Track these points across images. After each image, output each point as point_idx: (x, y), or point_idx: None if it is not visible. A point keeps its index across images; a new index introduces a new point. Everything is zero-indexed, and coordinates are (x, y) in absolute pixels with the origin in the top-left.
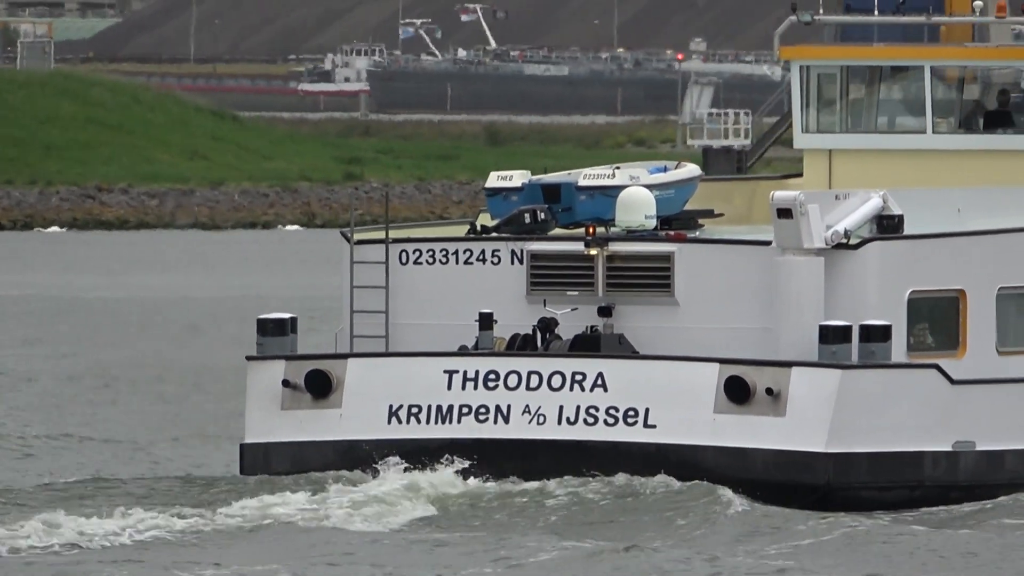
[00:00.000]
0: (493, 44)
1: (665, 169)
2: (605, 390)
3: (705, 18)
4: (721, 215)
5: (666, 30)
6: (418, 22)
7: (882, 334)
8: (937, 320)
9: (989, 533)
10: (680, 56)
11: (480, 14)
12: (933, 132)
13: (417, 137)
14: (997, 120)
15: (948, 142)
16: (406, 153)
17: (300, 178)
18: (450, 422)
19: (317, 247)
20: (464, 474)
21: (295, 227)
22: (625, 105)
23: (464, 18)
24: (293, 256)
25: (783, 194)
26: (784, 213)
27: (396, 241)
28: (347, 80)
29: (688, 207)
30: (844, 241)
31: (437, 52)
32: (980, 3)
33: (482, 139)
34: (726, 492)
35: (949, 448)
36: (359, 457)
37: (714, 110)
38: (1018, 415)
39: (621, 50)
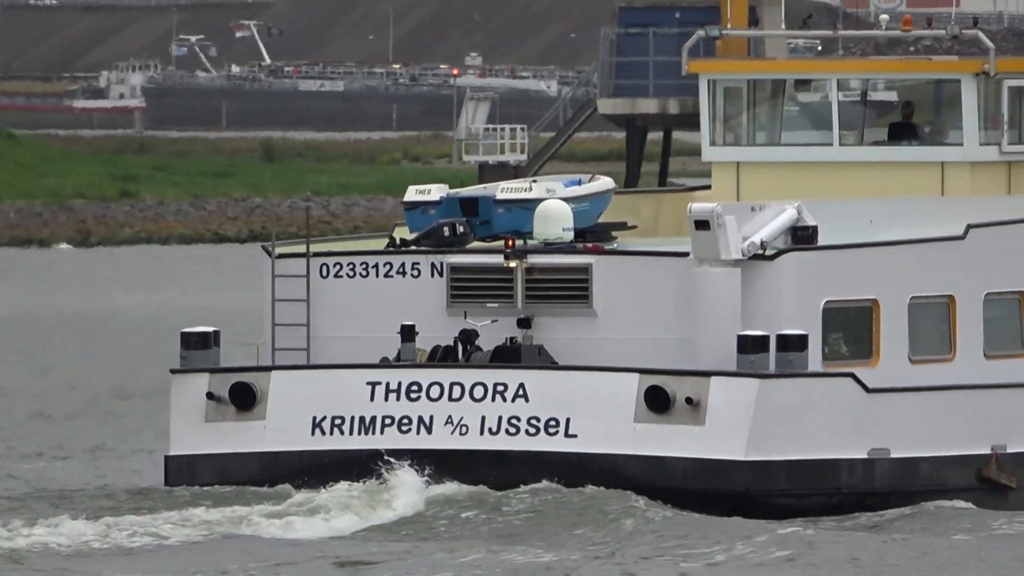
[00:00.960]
0: (268, 60)
1: (580, 182)
2: (527, 400)
3: (481, 33)
4: (635, 227)
5: (442, 45)
6: (192, 39)
7: (799, 344)
8: (851, 329)
9: (905, 539)
10: (456, 71)
11: (254, 31)
12: (840, 144)
13: (192, 154)
14: (902, 132)
15: (854, 154)
16: (182, 170)
17: (75, 195)
18: (373, 433)
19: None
20: (389, 485)
21: (66, 246)
22: (401, 121)
23: (239, 34)
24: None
25: (700, 206)
26: (701, 225)
27: (317, 255)
28: (122, 97)
29: (601, 220)
30: (760, 252)
31: (211, 68)
32: (886, 16)
33: (257, 155)
34: (646, 501)
35: (865, 456)
36: (283, 468)
37: (490, 125)
38: (931, 423)
39: (396, 66)
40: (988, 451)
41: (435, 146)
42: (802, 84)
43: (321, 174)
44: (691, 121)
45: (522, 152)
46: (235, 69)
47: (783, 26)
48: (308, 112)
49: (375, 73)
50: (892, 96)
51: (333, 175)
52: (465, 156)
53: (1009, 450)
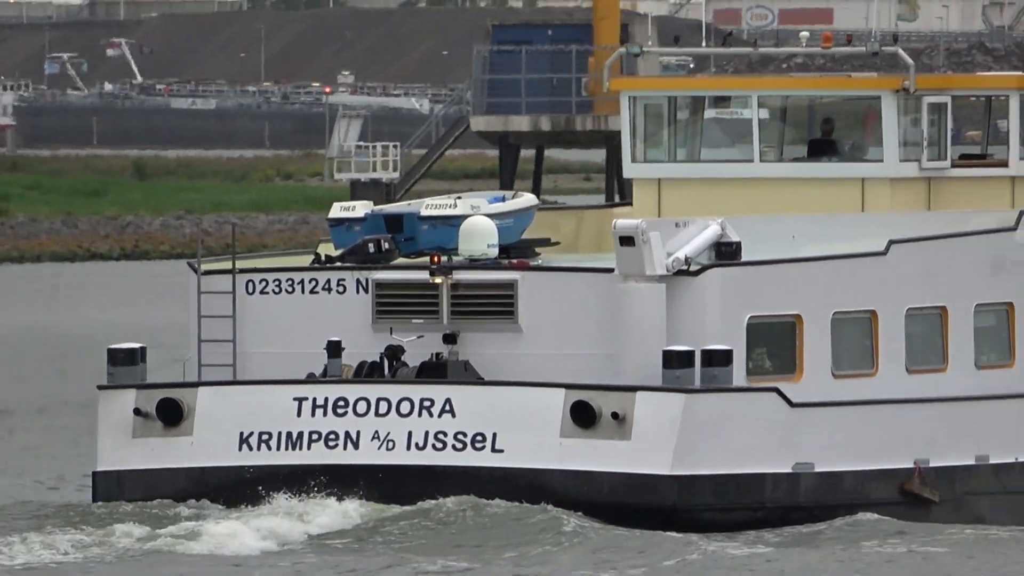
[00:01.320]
0: (139, 78)
1: (504, 199)
2: (453, 416)
3: (353, 51)
4: (558, 243)
5: (314, 63)
6: (64, 56)
7: (723, 359)
8: (775, 344)
9: (829, 553)
10: (328, 89)
11: (126, 49)
12: (760, 161)
13: (64, 172)
14: (821, 148)
15: (774, 170)
16: (54, 188)
17: None
18: (300, 448)
19: None
20: (314, 500)
21: None
22: (273, 139)
23: (110, 52)
24: None
25: (625, 222)
26: (626, 241)
27: (243, 271)
28: None
29: (524, 236)
30: (685, 268)
31: (83, 87)
32: (806, 33)
33: (129, 173)
34: (573, 515)
35: (789, 470)
36: (210, 484)
37: (362, 143)
38: (854, 437)
39: (268, 83)
40: (911, 465)
41: (307, 164)
42: (721, 101)
43: (193, 192)
44: (563, 138)
45: (394, 169)
46: (107, 87)
47: (653, 43)
48: (180, 130)
49: (247, 91)
50: (764, 114)
51: (205, 193)
52: (337, 174)
53: (932, 464)
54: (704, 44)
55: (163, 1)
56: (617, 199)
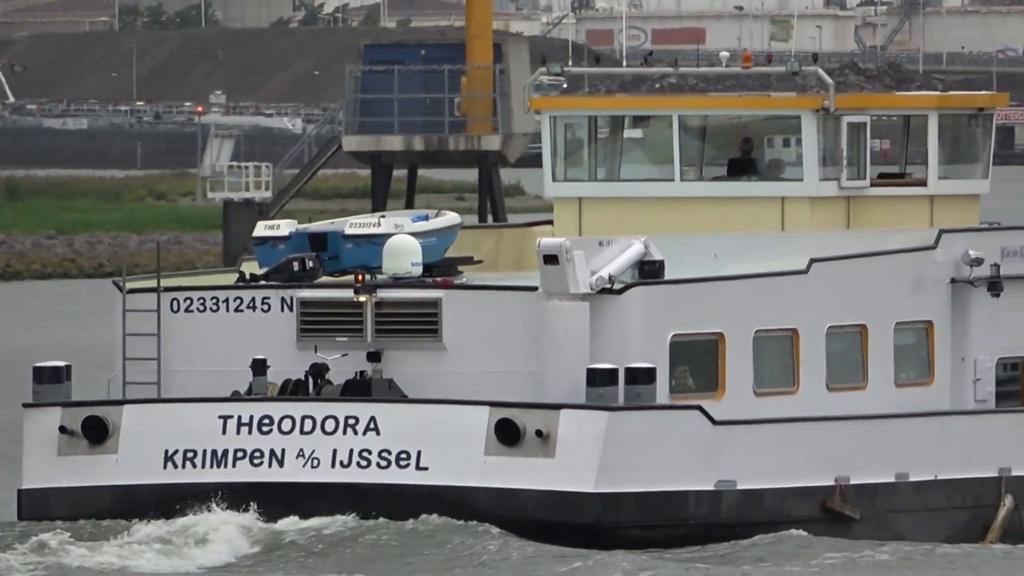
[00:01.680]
0: (11, 98)
1: (427, 217)
2: (378, 433)
3: (226, 71)
4: (480, 261)
5: (186, 83)
6: None
7: (647, 377)
8: (698, 362)
9: (751, 570)
10: (200, 109)
11: None
12: (681, 180)
13: None
14: (741, 167)
15: (695, 189)
16: None
17: None
18: (225, 466)
19: None
20: (239, 517)
21: None
22: (145, 159)
23: None
24: None
25: (549, 241)
26: (550, 259)
27: (168, 290)
28: None
29: (447, 254)
30: (608, 286)
31: None
32: (726, 53)
33: (1, 193)
34: (497, 532)
35: (712, 487)
36: (136, 502)
37: (234, 163)
38: (775, 454)
39: (140, 103)
40: (832, 483)
41: (180, 184)
42: (640, 120)
43: (65, 212)
44: (436, 158)
45: (267, 189)
46: None
47: (528, 65)
48: (52, 149)
49: (119, 111)
50: (638, 134)
51: (78, 212)
52: (210, 193)
53: (852, 481)
54: (571, 63)
55: (35, 21)
56: (491, 219)
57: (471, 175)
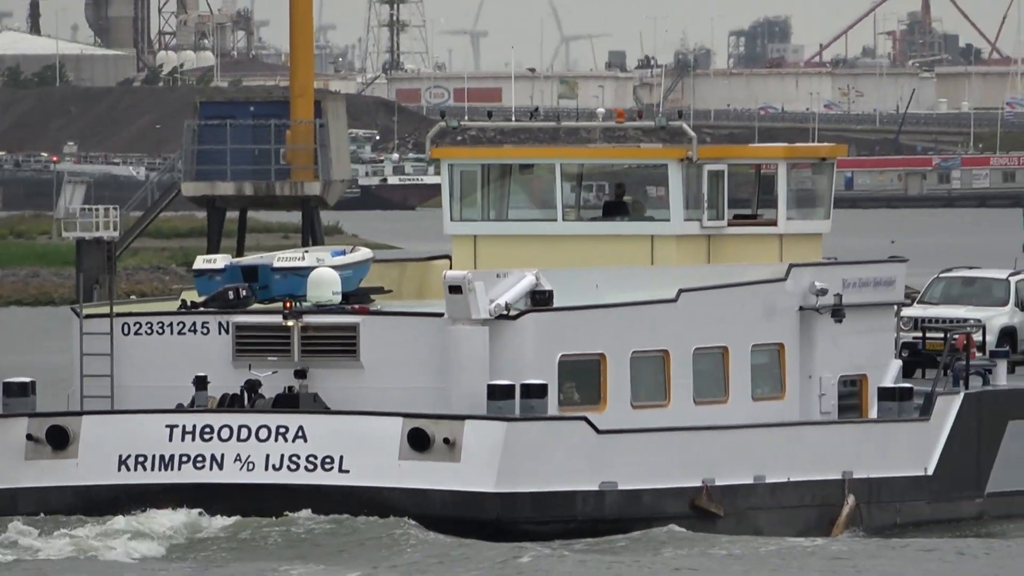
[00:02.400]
0: None
1: (344, 253)
2: (305, 441)
3: (78, 124)
4: (391, 291)
5: (43, 135)
6: None
7: (539, 391)
8: (583, 379)
9: (631, 559)
10: (55, 158)
11: None
12: (563, 220)
13: None
14: (615, 209)
15: (575, 228)
16: None
17: None
18: (172, 469)
19: None
20: (185, 514)
21: None
22: (7, 201)
23: None
24: None
25: (454, 273)
26: (455, 289)
27: (119, 315)
28: None
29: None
30: (505, 313)
31: None
32: (602, 109)
33: None
34: (410, 527)
35: (596, 488)
36: (94, 500)
37: (86, 206)
38: (650, 459)
39: (2, 153)
40: (699, 483)
41: (37, 224)
42: (526, 168)
43: None
44: (264, 202)
45: (115, 229)
46: None
47: (345, 120)
48: None
49: None
50: (435, 179)
51: None
52: (64, 232)
53: (717, 483)
54: (379, 119)
55: None
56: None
57: (295, 217)
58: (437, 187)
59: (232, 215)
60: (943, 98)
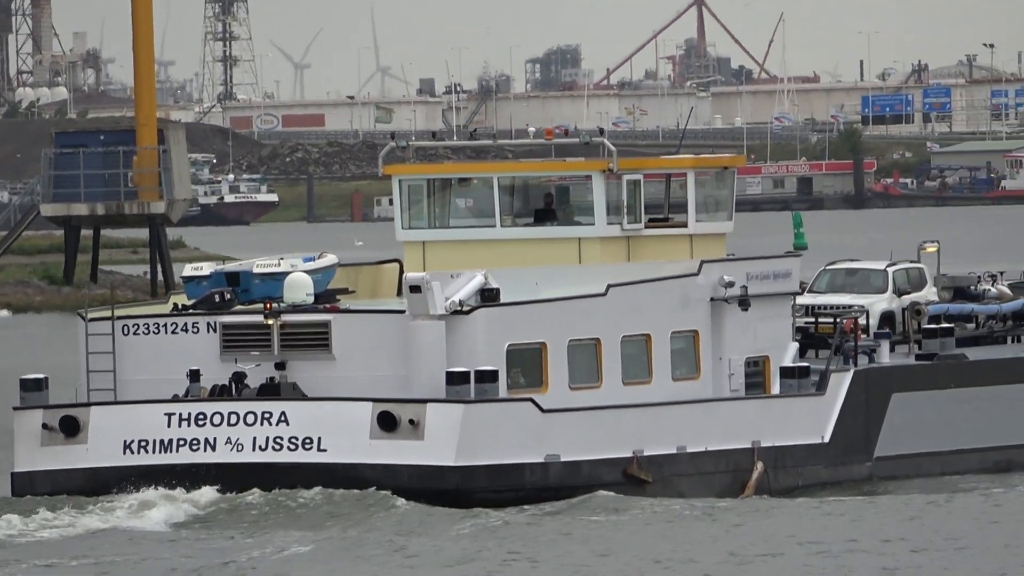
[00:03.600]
0: None
1: (313, 259)
2: (287, 424)
3: None
4: (353, 291)
5: None
6: None
7: (491, 377)
8: (527, 365)
9: (573, 519)
10: None
11: None
12: (501, 226)
13: None
14: (545, 216)
15: (512, 233)
16: None
17: None
18: (171, 452)
19: None
20: (183, 491)
21: None
22: None
23: None
24: None
25: (414, 275)
26: (415, 289)
27: (120, 318)
28: None
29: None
30: (459, 309)
31: None
32: (533, 129)
33: None
34: (386, 496)
35: (542, 460)
36: (102, 480)
37: None
38: (588, 434)
39: None
40: (630, 454)
41: None
42: (465, 181)
43: None
44: (115, 220)
45: None
46: None
47: (185, 145)
48: None
49: None
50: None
51: None
52: None
53: (646, 453)
54: (215, 144)
55: None
56: (160, 269)
57: (143, 233)
58: (270, 204)
59: (87, 232)
60: (718, 114)
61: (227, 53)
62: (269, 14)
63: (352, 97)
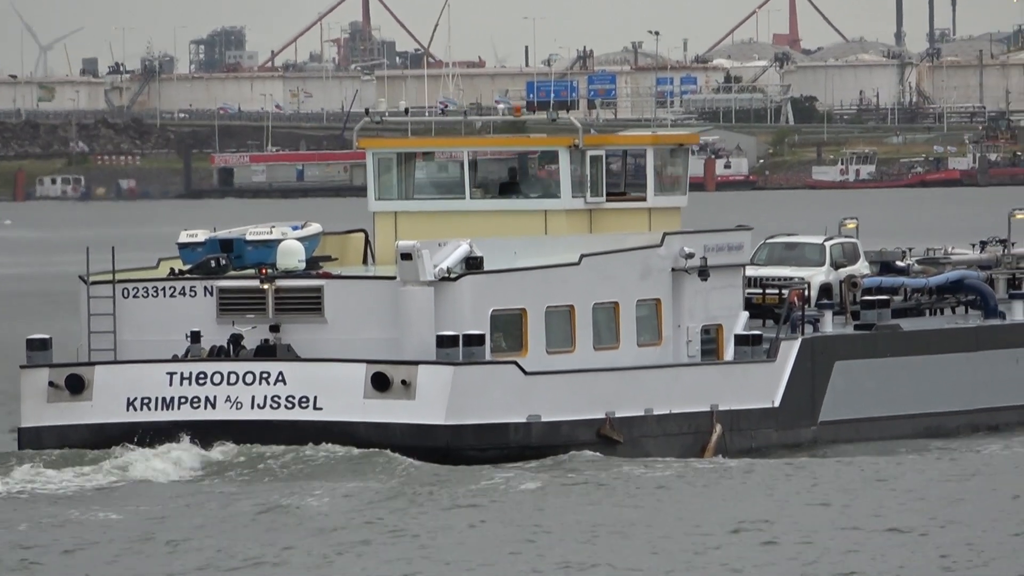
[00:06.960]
0: None
1: (299, 227)
2: (284, 383)
3: None
4: (336, 259)
5: None
6: None
7: (478, 340)
8: (510, 330)
9: (557, 475)
10: None
11: None
12: (470, 198)
13: None
14: (509, 189)
15: (482, 204)
16: None
17: None
18: (173, 409)
19: None
20: (185, 446)
21: None
22: None
23: None
24: None
25: (405, 243)
26: (406, 256)
27: (120, 282)
28: None
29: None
30: (447, 276)
31: None
32: (502, 105)
33: None
34: (384, 454)
35: (525, 420)
36: (106, 436)
37: None
38: (565, 395)
39: None
40: (603, 416)
41: None
42: (429, 155)
43: None
44: None
45: None
46: None
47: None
48: None
49: None
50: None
51: None
52: None
53: (617, 415)
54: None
55: None
56: None
57: None
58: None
59: None
60: (383, 98)
61: None
62: None
63: (15, 76)
